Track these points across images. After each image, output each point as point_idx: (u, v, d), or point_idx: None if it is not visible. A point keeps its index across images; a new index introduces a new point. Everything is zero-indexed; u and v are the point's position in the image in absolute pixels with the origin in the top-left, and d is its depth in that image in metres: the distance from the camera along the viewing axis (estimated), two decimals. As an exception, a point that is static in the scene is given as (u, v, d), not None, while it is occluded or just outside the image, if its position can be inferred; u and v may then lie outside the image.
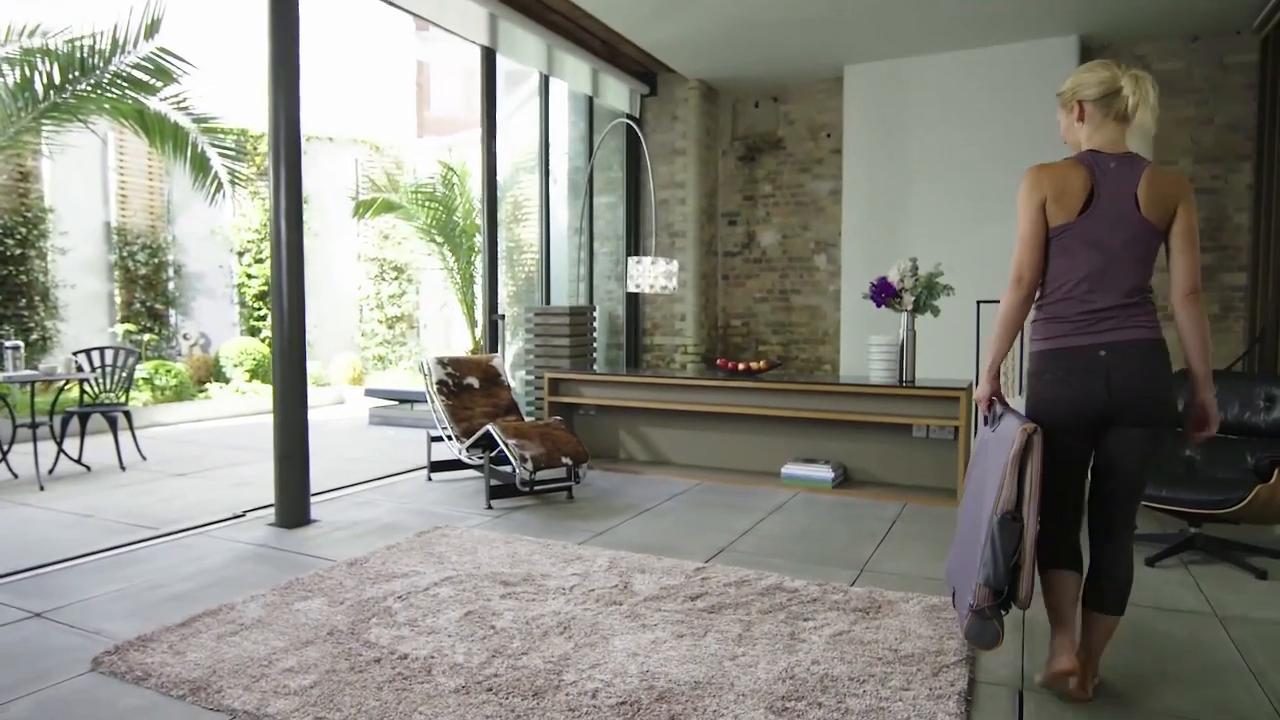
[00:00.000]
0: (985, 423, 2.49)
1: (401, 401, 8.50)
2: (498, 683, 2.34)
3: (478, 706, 2.20)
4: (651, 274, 5.20)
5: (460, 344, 11.30)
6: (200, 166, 6.89)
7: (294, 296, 4.05)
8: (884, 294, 4.87)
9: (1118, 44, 6.80)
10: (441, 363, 5.30)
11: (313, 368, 9.93)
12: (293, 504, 4.11)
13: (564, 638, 2.67)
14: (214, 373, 9.21)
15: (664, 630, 2.74)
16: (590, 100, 7.67)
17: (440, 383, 5.21)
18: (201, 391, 8.73)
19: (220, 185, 6.98)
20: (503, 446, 4.49)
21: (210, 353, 9.49)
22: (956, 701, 2.25)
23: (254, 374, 9.19)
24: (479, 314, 9.16)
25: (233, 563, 3.51)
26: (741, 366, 5.36)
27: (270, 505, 4.41)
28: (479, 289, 9.04)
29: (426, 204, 8.55)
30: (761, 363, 5.37)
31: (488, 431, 4.64)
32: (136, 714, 2.20)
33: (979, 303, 5.06)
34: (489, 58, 5.98)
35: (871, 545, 3.87)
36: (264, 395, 9.01)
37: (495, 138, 6.10)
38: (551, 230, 7.62)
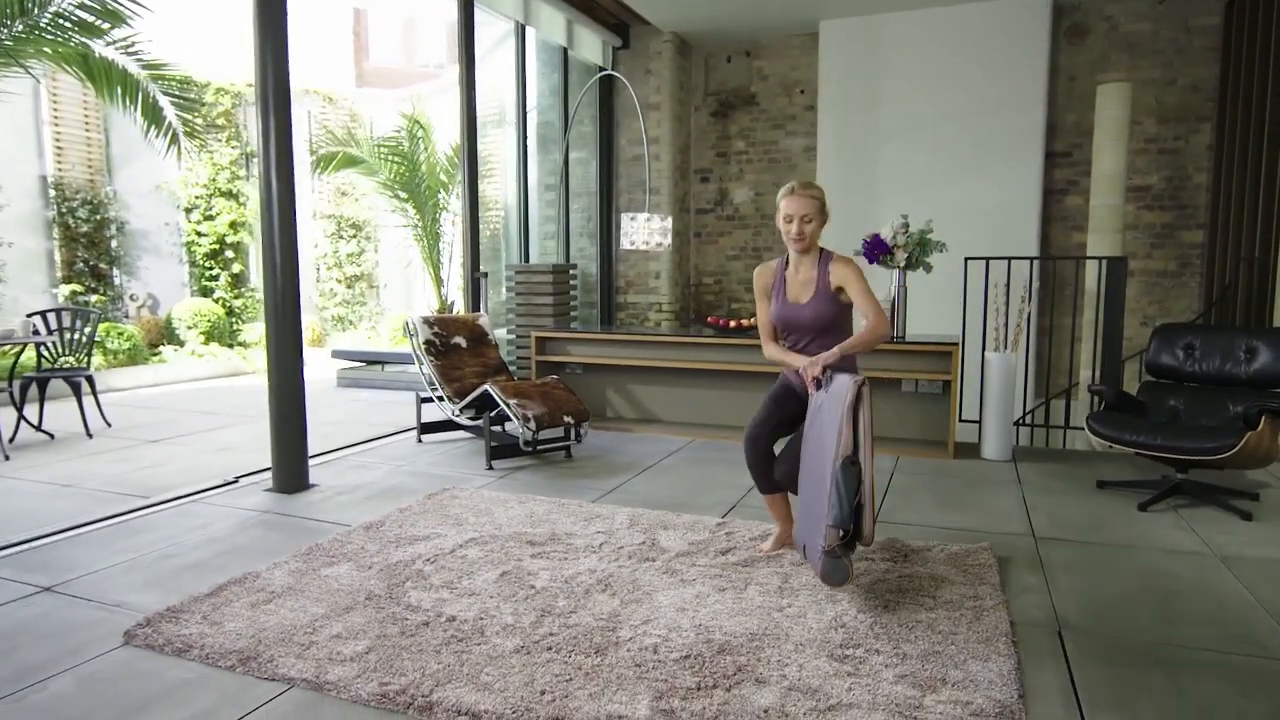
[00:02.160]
0: (818, 387, 2.79)
1: (369, 363, 8.29)
2: (555, 641, 2.33)
3: (543, 666, 2.19)
4: (646, 230, 5.14)
5: (423, 304, 11.05)
6: (153, 117, 6.48)
7: (286, 252, 3.88)
8: (877, 251, 4.91)
9: (1087, 5, 6.91)
10: (428, 322, 5.17)
11: (270, 329, 9.60)
12: (291, 469, 3.99)
13: (608, 595, 2.68)
14: (166, 335, 8.81)
15: (705, 585, 2.76)
16: (565, 52, 7.47)
17: (428, 343, 5.09)
18: (155, 355, 8.36)
19: (176, 137, 6.60)
20: (503, 407, 4.42)
21: (160, 314, 9.07)
22: (1005, 643, 2.33)
23: (209, 336, 8.83)
24: (445, 273, 8.97)
25: (241, 530, 3.40)
26: (733, 323, 5.37)
27: (264, 470, 4.29)
28: (445, 247, 8.84)
29: (390, 159, 8.25)
30: (751, 319, 5.38)
31: (485, 392, 4.57)
32: (187, 687, 2.12)
33: (966, 259, 5.15)
34: (467, 5, 5.76)
35: (877, 497, 3.95)
36: (222, 358, 8.69)
37: (475, 88, 5.90)
38: (519, 186, 7.45)
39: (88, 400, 5.57)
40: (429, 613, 2.54)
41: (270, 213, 3.83)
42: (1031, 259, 5.70)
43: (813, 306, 2.96)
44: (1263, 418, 3.52)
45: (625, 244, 5.26)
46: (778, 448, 3.02)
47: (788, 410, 3.03)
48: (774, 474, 2.99)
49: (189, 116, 6.78)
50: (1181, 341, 4.21)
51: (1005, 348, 4.79)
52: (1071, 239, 7.13)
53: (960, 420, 4.96)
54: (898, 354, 4.89)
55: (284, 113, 3.83)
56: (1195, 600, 2.72)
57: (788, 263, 3.08)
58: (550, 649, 2.29)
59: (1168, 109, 6.82)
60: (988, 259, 5.15)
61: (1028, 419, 5.73)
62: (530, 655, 2.25)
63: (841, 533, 2.50)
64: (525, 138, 6.81)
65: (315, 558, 3.00)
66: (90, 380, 5.52)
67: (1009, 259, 5.13)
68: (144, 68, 6.43)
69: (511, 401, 4.40)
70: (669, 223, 5.29)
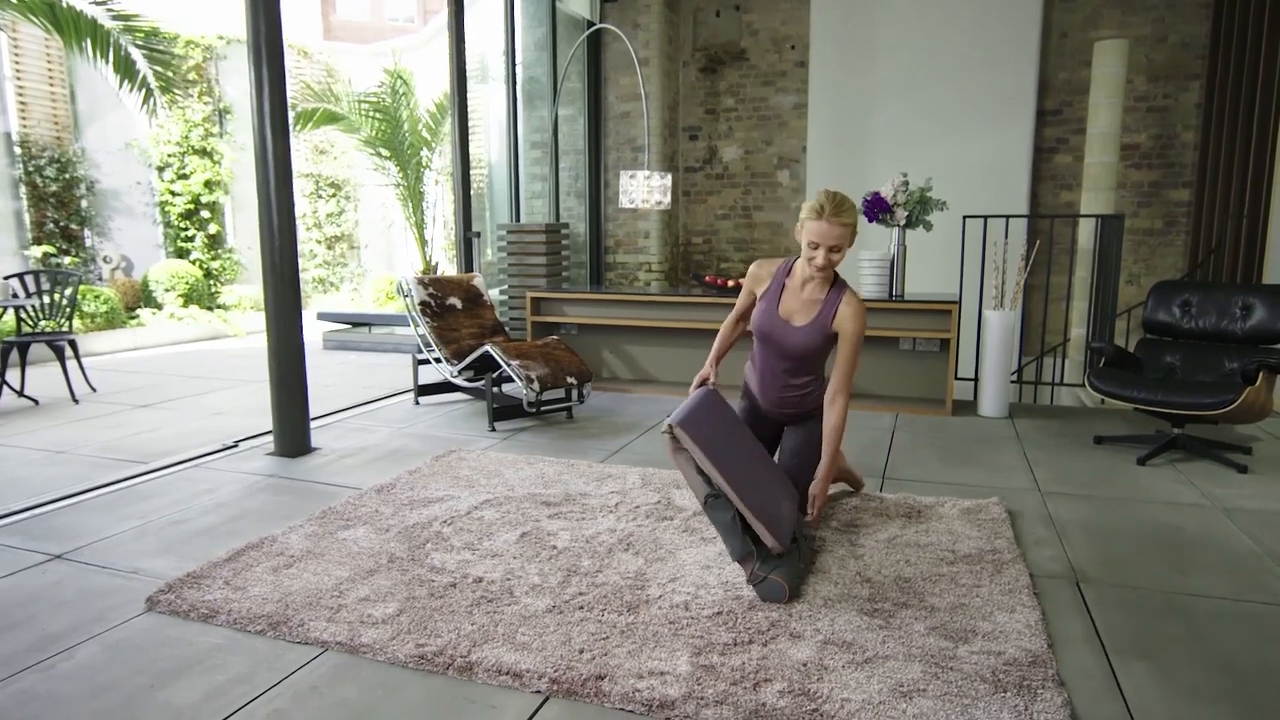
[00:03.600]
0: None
1: (355, 325, 8.16)
2: (586, 601, 2.34)
3: (577, 625, 2.20)
4: (645, 188, 5.07)
5: (406, 265, 10.88)
6: (125, 70, 6.25)
7: (284, 210, 3.77)
8: (877, 209, 4.90)
9: (1082, -41, 6.86)
10: (422, 283, 5.09)
11: (249, 291, 9.41)
12: (293, 432, 3.93)
13: (631, 554, 2.68)
14: (143, 298, 8.60)
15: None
16: (552, 4, 7.27)
17: (423, 304, 5.01)
18: (133, 318, 8.16)
19: (150, 92, 6.37)
20: (506, 367, 4.38)
21: (135, 276, 8.84)
22: (1027, 595, 2.38)
23: (188, 299, 8.63)
24: (430, 233, 8.82)
25: (248, 494, 3.35)
26: (731, 283, 5.35)
27: (264, 434, 4.23)
28: (428, 206, 8.68)
29: (372, 115, 8.05)
30: (750, 279, 5.36)
31: (486, 353, 4.52)
32: (218, 652, 2.10)
33: (965, 218, 5.15)
34: (456, -47, 5.57)
35: (881, 454, 4.00)
36: (202, 322, 8.51)
37: (464, 37, 5.74)
38: (502, 144, 7.30)
39: (71, 365, 5.43)
40: (454, 574, 2.52)
41: (266, 170, 3.71)
42: (1030, 216, 5.72)
43: (805, 333, 2.75)
44: (1260, 373, 3.59)
45: (624, 202, 5.19)
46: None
47: (763, 433, 2.96)
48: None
49: (163, 70, 6.54)
50: (1179, 298, 4.27)
51: (1004, 305, 4.82)
52: (1060, 197, 7.16)
53: (955, 378, 5.01)
54: (897, 312, 4.91)
55: (277, 64, 3.69)
56: (1203, 551, 2.79)
57: (790, 269, 2.81)
58: (582, 608, 2.29)
59: (1158, 66, 6.82)
60: (986, 217, 5.15)
61: (1012, 377, 5.80)
62: (563, 615, 2.26)
63: (753, 560, 2.38)
64: (515, 92, 6.65)
65: (330, 521, 2.97)
66: (73, 344, 5.37)
67: (1007, 217, 5.15)
68: (115, 19, 6.19)
69: (514, 362, 4.36)
70: (668, 180, 5.22)
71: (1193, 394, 3.69)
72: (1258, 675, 2.01)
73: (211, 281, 9.27)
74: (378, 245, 11.03)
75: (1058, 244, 6.95)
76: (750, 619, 2.23)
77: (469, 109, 8.00)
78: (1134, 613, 2.33)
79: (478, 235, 5.87)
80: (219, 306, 9.13)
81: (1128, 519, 3.08)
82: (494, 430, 4.44)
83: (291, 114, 8.63)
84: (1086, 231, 6.02)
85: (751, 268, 2.91)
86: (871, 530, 2.90)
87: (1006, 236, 5.06)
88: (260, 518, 3.07)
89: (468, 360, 4.64)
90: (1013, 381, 5.70)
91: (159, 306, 8.52)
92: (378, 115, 8.08)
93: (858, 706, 1.82)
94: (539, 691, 1.92)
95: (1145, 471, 3.71)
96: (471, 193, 8.20)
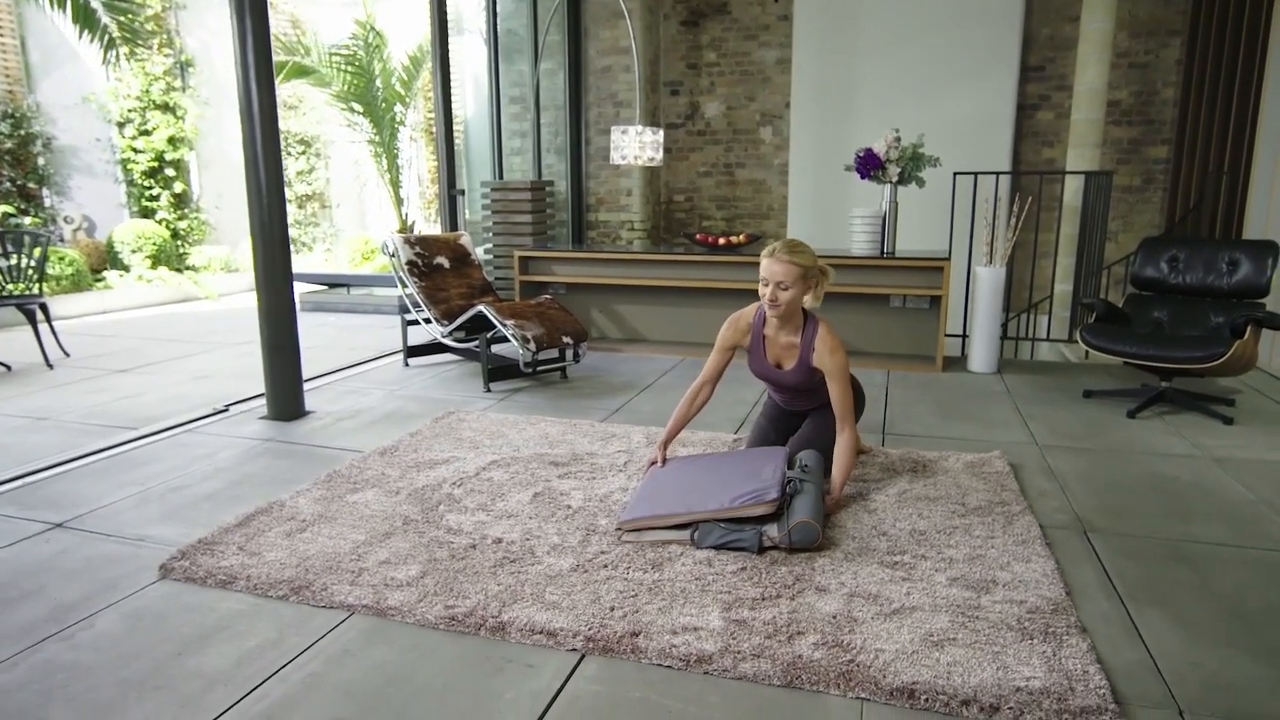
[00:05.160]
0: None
1: (332, 286, 8.00)
2: (609, 559, 2.34)
3: (604, 583, 2.20)
4: (638, 144, 4.99)
5: (379, 224, 10.65)
6: (86, 20, 5.95)
7: (271, 167, 3.65)
8: (869, 165, 4.88)
9: (1068, -89, 6.79)
10: (409, 242, 4.98)
11: (219, 252, 9.16)
12: (286, 396, 3.86)
13: (646, 512, 2.68)
14: (109, 259, 8.32)
15: (739, 499, 2.79)
16: (531, -47, 7.05)
17: (410, 263, 4.91)
18: (99, 280, 7.90)
19: (113, 42, 6.08)
20: (501, 328, 4.33)
21: (98, 237, 8.54)
22: (1040, 545, 2.43)
23: (156, 260, 8.37)
24: (405, 191, 8.63)
25: (247, 459, 3.29)
26: (722, 240, 5.32)
27: (255, 398, 4.15)
28: (404, 164, 8.48)
29: (344, 68, 7.79)
30: (742, 236, 5.34)
31: (478, 313, 4.46)
32: (242, 618, 2.07)
33: (955, 174, 5.15)
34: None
35: (879, 410, 4.03)
36: (173, 284, 8.27)
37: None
38: (478, 99, 7.13)
39: (43, 329, 5.25)
40: (472, 535, 2.51)
41: (252, 126, 3.57)
42: (1022, 173, 5.74)
43: (794, 375, 2.88)
44: (1249, 327, 3.67)
45: (616, 158, 5.10)
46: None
47: (788, 426, 3.07)
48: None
49: (125, 19, 6.25)
50: (1166, 254, 4.33)
51: (995, 262, 4.86)
52: (1041, 154, 7.20)
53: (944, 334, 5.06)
54: (888, 269, 4.92)
55: (260, 13, 3.54)
56: (1200, 499, 2.87)
57: (763, 319, 2.88)
58: (606, 566, 2.30)
59: (1139, 23, 6.83)
60: (976, 174, 5.16)
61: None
62: (588, 574, 2.26)
63: (769, 534, 2.38)
64: (496, 45, 6.47)
65: (337, 485, 2.93)
66: (44, 308, 5.19)
67: (997, 174, 5.16)
68: (71, -36, 5.87)
69: (509, 322, 4.31)
70: (660, 136, 5.13)
71: (1183, 348, 3.77)
72: (1266, 617, 2.08)
73: (179, 242, 8.99)
74: (350, 204, 10.77)
75: (1037, 201, 7.00)
76: (774, 574, 2.25)
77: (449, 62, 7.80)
78: (1142, 560, 2.39)
79: (462, 193, 5.75)
80: (188, 268, 8.88)
81: (1125, 470, 3.16)
82: (489, 391, 4.40)
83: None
84: (1072, 188, 6.06)
85: (722, 329, 2.97)
86: (881, 485, 2.93)
87: (997, 193, 5.08)
88: (263, 482, 3.02)
89: (459, 321, 4.57)
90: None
91: (126, 268, 8.26)
92: (350, 68, 7.83)
93: (892, 657, 1.85)
94: (574, 649, 1.92)
95: (1136, 424, 3.79)
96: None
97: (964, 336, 5.04)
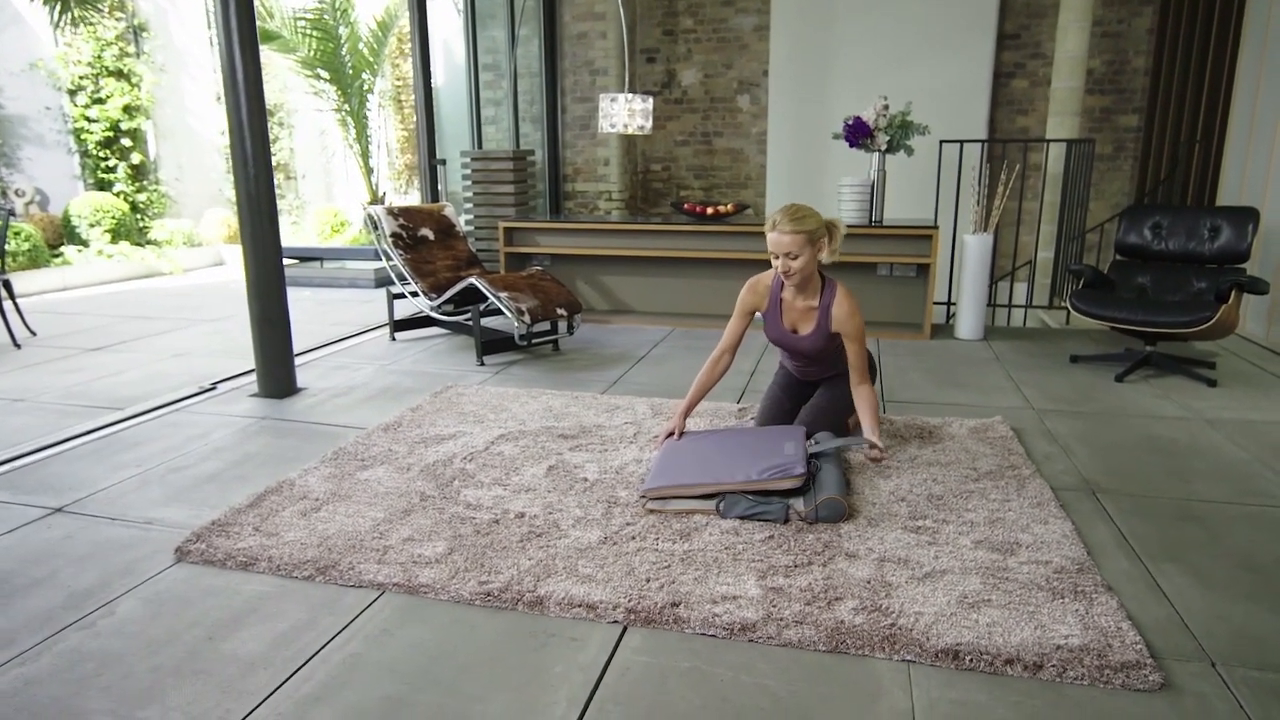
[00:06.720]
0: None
1: (304, 259, 7.79)
2: (636, 531, 2.33)
3: (636, 555, 2.19)
4: (626, 111, 4.91)
5: (346, 195, 10.39)
6: (37, -21, 5.65)
7: (258, 136, 3.51)
8: (858, 134, 4.88)
9: (1045, -123, 6.80)
10: (392, 214, 4.87)
11: (182, 225, 8.86)
12: (278, 372, 3.76)
13: (665, 484, 2.67)
14: (66, 234, 8.00)
15: (755, 469, 2.80)
16: (504, -86, 6.85)
17: (394, 235, 4.81)
18: (57, 256, 7.60)
19: (66, 3, 5.79)
20: (495, 300, 4.26)
21: (52, 211, 8.20)
22: (1055, 507, 2.48)
23: (115, 234, 8.07)
24: (375, 161, 8.42)
25: (245, 438, 3.21)
26: (710, 210, 5.29)
27: (243, 375, 4.05)
28: (374, 133, 8.26)
29: (310, 34, 7.53)
30: (729, 206, 5.31)
31: (469, 285, 4.38)
32: (270, 600, 2.02)
33: (941, 142, 5.17)
34: None
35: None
36: (135, 259, 7.98)
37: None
38: (450, 67, 6.95)
39: (7, 306, 5.04)
40: (493, 510, 2.48)
41: (237, 94, 3.43)
42: (1010, 141, 5.79)
43: (811, 340, 2.90)
44: (1233, 292, 3.77)
45: (605, 126, 5.01)
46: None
47: (801, 395, 3.09)
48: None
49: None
50: (1149, 221, 4.41)
51: (983, 229, 4.91)
52: (1015, 123, 7.26)
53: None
54: (876, 238, 4.94)
55: (242, -26, 3.38)
56: (1198, 459, 2.95)
57: (781, 283, 2.89)
58: (634, 538, 2.29)
59: (1113, -10, 6.89)
60: (962, 142, 5.19)
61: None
62: (618, 546, 2.25)
63: (796, 509, 2.39)
64: (474, 10, 6.30)
65: (345, 462, 2.87)
66: (8, 285, 4.98)
67: (983, 141, 5.20)
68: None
69: (503, 295, 4.24)
70: (650, 104, 5.06)
71: (1170, 313, 3.86)
72: (1279, 570, 2.15)
73: (139, 216, 8.68)
74: (315, 175, 10.48)
75: (1016, 170, 7.08)
76: (803, 541, 2.26)
77: (408, 30, 7.58)
78: (1153, 519, 2.46)
79: (443, 163, 5.62)
80: (150, 242, 8.58)
81: (1121, 432, 3.23)
82: (483, 364, 4.34)
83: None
84: (1053, 156, 6.14)
85: (742, 293, 2.98)
86: (891, 451, 2.96)
87: (983, 160, 5.12)
88: (266, 461, 2.95)
89: (449, 294, 4.49)
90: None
91: (85, 243, 7.95)
92: (317, 33, 7.56)
93: (932, 620, 1.88)
94: (616, 621, 1.92)
95: (1124, 388, 3.88)
96: (414, 118, 7.84)
97: (949, 304, 5.09)
